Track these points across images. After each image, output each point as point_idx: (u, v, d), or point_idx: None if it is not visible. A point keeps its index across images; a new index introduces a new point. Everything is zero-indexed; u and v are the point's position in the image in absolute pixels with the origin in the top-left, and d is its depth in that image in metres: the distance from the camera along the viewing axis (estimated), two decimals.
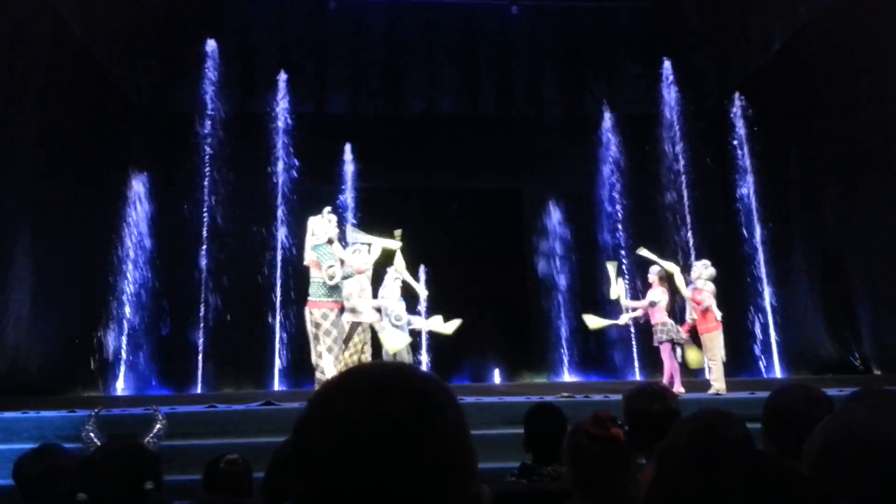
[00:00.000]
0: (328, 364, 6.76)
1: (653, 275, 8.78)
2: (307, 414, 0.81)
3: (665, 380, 8.04)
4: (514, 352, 12.21)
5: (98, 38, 10.97)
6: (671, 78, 13.00)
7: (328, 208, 7.43)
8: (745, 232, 11.91)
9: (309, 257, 7.08)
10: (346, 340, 7.36)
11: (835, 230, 10.49)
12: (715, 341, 8.13)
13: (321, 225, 7.14)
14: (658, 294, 8.55)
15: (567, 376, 11.85)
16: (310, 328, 6.97)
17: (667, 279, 8.78)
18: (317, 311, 6.91)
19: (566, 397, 7.23)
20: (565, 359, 12.01)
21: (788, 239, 11.26)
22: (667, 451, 1.68)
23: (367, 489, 0.74)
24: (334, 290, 6.96)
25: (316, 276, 6.96)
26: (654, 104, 13.23)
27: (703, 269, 8.44)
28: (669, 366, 8.30)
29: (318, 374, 6.89)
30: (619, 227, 12.48)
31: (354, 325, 7.47)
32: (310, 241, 7.12)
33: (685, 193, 12.60)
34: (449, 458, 0.78)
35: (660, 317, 8.47)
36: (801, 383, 2.26)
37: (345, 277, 7.01)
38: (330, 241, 7.14)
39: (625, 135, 12.78)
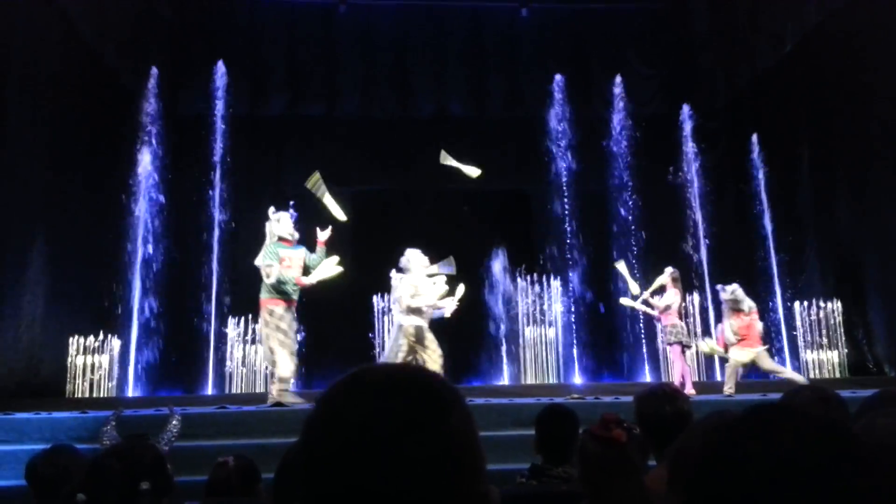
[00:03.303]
0: (282, 359, 6.86)
1: (666, 276, 8.75)
2: (314, 415, 0.81)
3: (676, 381, 8.02)
4: (523, 353, 12.16)
5: (108, 42, 11.05)
6: (681, 79, 12.96)
7: (272, 208, 7.54)
8: (756, 232, 11.85)
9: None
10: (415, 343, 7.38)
11: (847, 230, 10.43)
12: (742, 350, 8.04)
13: (268, 227, 7.34)
14: (672, 296, 8.52)
15: (577, 378, 11.81)
16: (260, 328, 7.10)
17: (680, 280, 8.75)
18: (264, 309, 7.07)
19: (576, 399, 7.20)
20: (575, 360, 11.97)
21: (801, 239, 11.20)
22: (680, 455, 1.66)
23: (374, 490, 0.74)
24: (280, 288, 7.05)
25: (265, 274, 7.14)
26: (663, 105, 13.18)
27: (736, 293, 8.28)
28: (680, 368, 8.26)
29: (276, 383, 6.92)
30: (630, 228, 12.44)
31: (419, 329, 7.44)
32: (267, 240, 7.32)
33: (695, 194, 12.55)
34: (456, 458, 0.78)
35: (670, 318, 8.44)
36: (814, 384, 2.24)
37: (281, 282, 7.06)
38: (282, 239, 7.24)
39: (635, 136, 12.73)
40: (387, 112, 12.78)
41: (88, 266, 10.34)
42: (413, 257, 7.67)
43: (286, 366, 6.89)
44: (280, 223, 7.35)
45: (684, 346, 8.35)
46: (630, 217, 12.48)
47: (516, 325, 12.00)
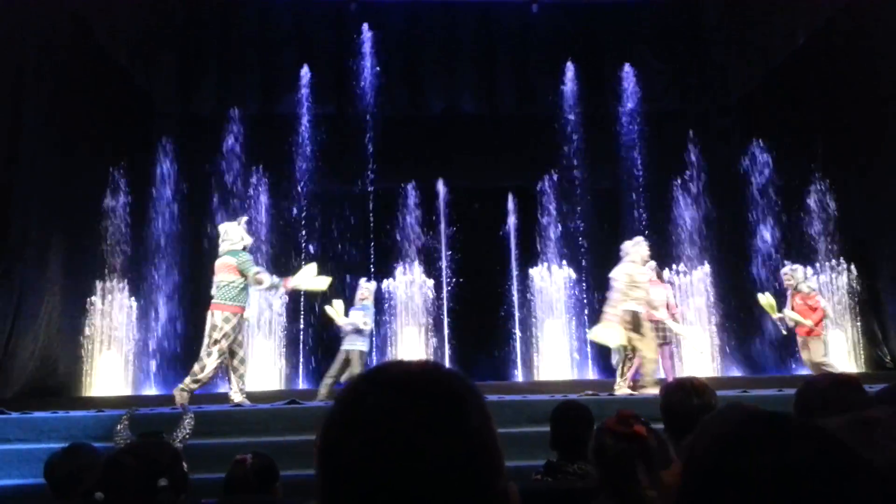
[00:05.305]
0: (212, 364, 6.85)
1: (650, 271, 8.77)
2: (334, 413, 0.81)
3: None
4: (537, 350, 12.16)
5: (121, 44, 11.11)
6: (693, 73, 12.88)
7: (245, 217, 7.60)
8: (768, 228, 11.78)
9: (222, 261, 7.12)
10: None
11: (861, 224, 10.36)
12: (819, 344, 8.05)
13: (237, 232, 7.23)
14: (659, 292, 8.54)
15: (590, 374, 11.79)
16: (207, 330, 7.02)
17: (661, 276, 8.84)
18: (219, 314, 6.95)
19: (590, 395, 7.18)
20: (588, 357, 11.94)
21: (815, 233, 11.13)
22: (693, 451, 1.65)
23: (394, 488, 0.74)
24: (241, 295, 7.01)
25: (225, 279, 7.01)
26: (676, 100, 13.11)
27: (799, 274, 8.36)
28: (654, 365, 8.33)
29: (188, 381, 6.90)
30: (641, 224, 12.39)
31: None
32: (223, 246, 7.21)
33: (708, 190, 12.48)
34: (476, 456, 0.77)
35: (658, 315, 8.46)
36: (831, 373, 2.22)
37: (272, 286, 7.17)
38: (245, 248, 7.21)
39: (646, 131, 12.68)
40: (397, 109, 12.78)
41: (103, 266, 10.44)
42: (634, 245, 7.74)
43: (210, 371, 6.90)
44: (247, 232, 7.36)
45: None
46: (641, 213, 12.42)
47: (530, 321, 12.02)
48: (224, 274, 7.05)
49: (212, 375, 6.97)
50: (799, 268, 8.56)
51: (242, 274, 7.00)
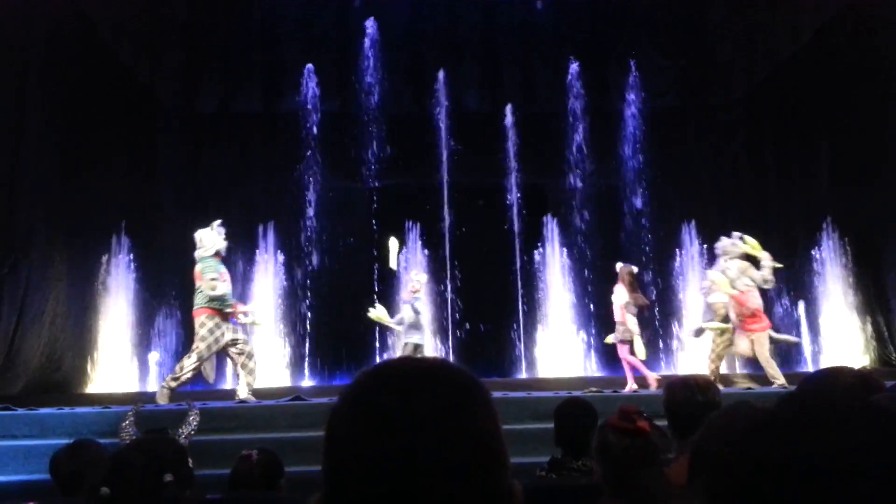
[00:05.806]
0: (190, 365, 7.00)
1: (620, 273, 8.76)
2: (338, 409, 0.81)
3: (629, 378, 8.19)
4: (540, 347, 12.17)
5: (125, 41, 11.10)
6: (698, 70, 12.83)
7: (218, 221, 7.64)
8: (774, 225, 11.75)
9: (196, 268, 7.28)
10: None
11: (867, 221, 10.33)
12: (764, 341, 8.04)
13: (210, 237, 7.34)
14: (624, 294, 8.53)
15: (595, 371, 11.79)
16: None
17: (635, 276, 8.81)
18: (196, 319, 7.16)
19: (594, 392, 7.18)
20: (592, 354, 11.94)
21: (820, 231, 11.10)
22: (701, 451, 1.63)
23: (398, 485, 0.74)
24: (214, 298, 7.13)
25: (200, 285, 7.21)
26: (680, 96, 13.08)
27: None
28: (630, 363, 8.34)
29: (168, 379, 7.06)
30: (644, 221, 12.37)
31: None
32: (198, 253, 7.34)
33: (711, 186, 12.44)
34: (481, 454, 0.77)
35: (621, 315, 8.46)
36: (849, 367, 2.16)
37: (223, 298, 7.20)
38: (217, 254, 7.32)
39: (651, 128, 12.65)
40: (401, 107, 12.77)
41: (108, 262, 10.47)
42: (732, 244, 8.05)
43: (188, 371, 7.04)
44: (220, 237, 7.44)
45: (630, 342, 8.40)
46: (644, 210, 12.40)
47: (533, 317, 12.02)
48: (199, 280, 7.25)
49: (190, 376, 7.17)
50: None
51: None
